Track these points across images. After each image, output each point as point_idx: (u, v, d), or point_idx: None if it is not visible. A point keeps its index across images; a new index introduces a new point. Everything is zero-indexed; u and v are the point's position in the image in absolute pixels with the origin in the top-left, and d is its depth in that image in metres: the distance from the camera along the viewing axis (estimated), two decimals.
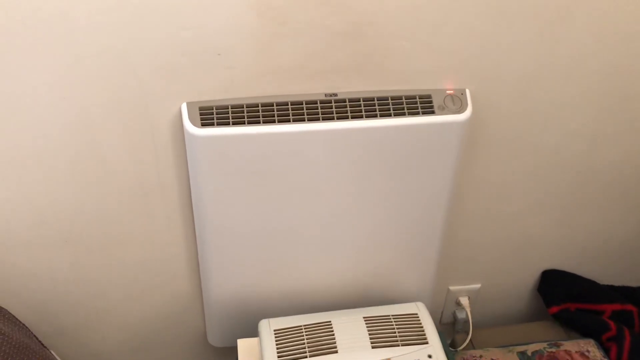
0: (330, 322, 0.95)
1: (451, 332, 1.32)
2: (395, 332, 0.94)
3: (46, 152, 0.91)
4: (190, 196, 1.00)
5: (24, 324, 1.03)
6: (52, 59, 0.82)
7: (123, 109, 0.89)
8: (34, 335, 1.04)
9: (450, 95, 0.96)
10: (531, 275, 1.29)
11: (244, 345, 1.05)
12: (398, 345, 0.93)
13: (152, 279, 1.11)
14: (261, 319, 1.04)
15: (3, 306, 1.02)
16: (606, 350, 1.17)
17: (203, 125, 0.89)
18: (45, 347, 1.05)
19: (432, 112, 0.94)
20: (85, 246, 1.04)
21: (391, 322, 0.96)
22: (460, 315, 1.29)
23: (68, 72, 0.84)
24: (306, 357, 0.90)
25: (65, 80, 0.85)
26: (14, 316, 1.02)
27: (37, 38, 0.80)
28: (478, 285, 1.28)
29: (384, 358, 0.91)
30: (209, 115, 0.89)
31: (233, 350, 1.25)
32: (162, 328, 1.19)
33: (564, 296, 1.26)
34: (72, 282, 1.08)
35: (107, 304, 1.12)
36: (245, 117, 0.90)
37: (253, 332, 1.11)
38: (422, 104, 0.94)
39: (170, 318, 1.18)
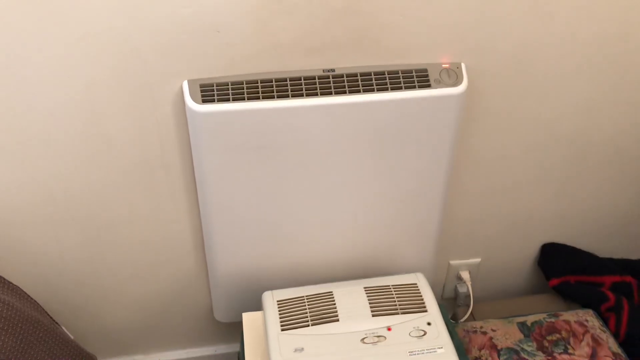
0: (331, 292, 0.98)
1: (453, 306, 1.35)
2: (394, 301, 0.97)
3: (53, 132, 0.94)
4: (194, 174, 1.03)
5: (35, 300, 1.06)
6: (56, 39, 0.85)
7: (126, 88, 0.92)
8: (45, 312, 1.08)
9: (445, 69, 0.98)
10: (531, 249, 1.31)
11: (248, 319, 1.08)
12: (397, 314, 0.95)
13: (158, 257, 1.14)
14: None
15: (16, 283, 1.06)
16: (605, 320, 1.19)
17: (204, 101, 0.91)
18: (56, 322, 1.08)
19: (429, 86, 0.96)
20: (93, 224, 1.07)
21: (391, 291, 0.98)
22: (462, 289, 1.31)
23: (72, 53, 0.87)
24: (308, 325, 0.93)
25: (70, 61, 0.87)
26: (25, 292, 1.05)
27: (41, 19, 0.83)
28: (478, 260, 1.30)
29: (383, 325, 0.93)
30: (210, 92, 0.92)
31: (238, 325, 1.28)
32: (169, 305, 1.22)
33: (563, 269, 1.28)
34: (81, 260, 1.11)
35: (115, 281, 1.15)
36: (245, 93, 0.92)
37: (257, 307, 1.13)
38: (418, 78, 0.96)
39: (176, 295, 1.21)
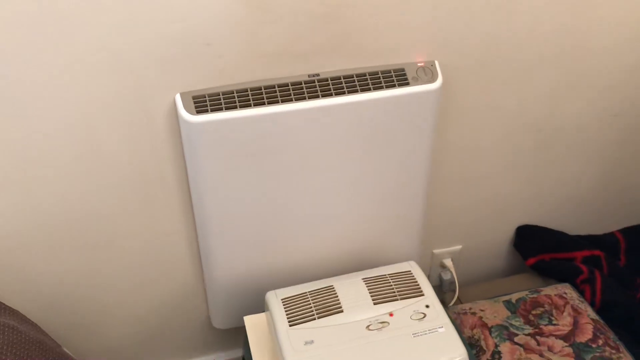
0: (332, 286, 1.02)
1: (439, 293, 1.41)
2: (393, 289, 1.02)
3: (48, 151, 0.95)
4: (188, 184, 1.06)
5: (35, 322, 1.06)
6: (51, 59, 0.87)
7: (120, 104, 0.94)
8: (46, 333, 1.08)
9: (421, 67, 1.04)
10: (507, 232, 1.39)
11: (250, 322, 1.11)
12: (397, 300, 1.00)
13: (155, 269, 1.15)
14: (262, 296, 1.10)
15: (13, 307, 1.06)
16: (581, 292, 1.28)
17: (198, 112, 0.94)
18: (58, 344, 1.08)
19: (407, 84, 1.03)
20: (89, 242, 1.08)
21: (388, 280, 1.04)
22: (446, 276, 1.38)
23: (66, 72, 0.89)
24: (314, 319, 0.97)
25: (64, 80, 0.89)
26: (25, 315, 1.05)
27: (35, 40, 0.85)
28: (459, 247, 1.37)
29: (385, 312, 0.98)
30: (203, 103, 0.95)
31: (238, 331, 1.31)
32: (167, 316, 1.24)
33: (538, 248, 1.37)
34: (77, 278, 1.11)
35: (113, 297, 1.16)
36: (237, 101, 0.96)
37: (256, 310, 1.17)
38: (397, 77, 1.03)
39: (173, 306, 1.22)
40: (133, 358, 1.27)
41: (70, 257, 1.08)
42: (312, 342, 0.94)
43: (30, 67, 0.87)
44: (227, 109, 0.96)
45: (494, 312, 1.20)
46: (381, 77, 1.02)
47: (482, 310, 1.21)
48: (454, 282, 1.36)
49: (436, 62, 1.05)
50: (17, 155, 0.94)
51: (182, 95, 0.96)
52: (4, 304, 1.01)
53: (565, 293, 1.24)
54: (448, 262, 1.37)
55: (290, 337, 0.95)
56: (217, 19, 0.90)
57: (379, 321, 0.97)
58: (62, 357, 1.04)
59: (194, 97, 0.96)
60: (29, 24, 0.83)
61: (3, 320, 0.97)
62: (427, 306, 1.00)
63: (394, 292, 1.01)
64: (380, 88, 1.01)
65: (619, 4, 1.09)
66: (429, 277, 1.40)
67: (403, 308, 0.99)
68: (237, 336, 1.33)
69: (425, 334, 0.96)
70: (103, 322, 1.19)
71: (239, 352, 1.35)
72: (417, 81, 1.03)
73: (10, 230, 1.01)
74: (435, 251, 1.36)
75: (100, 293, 1.15)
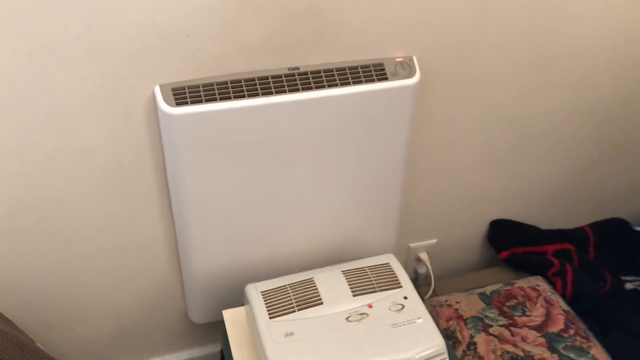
0: (312, 278, 1.03)
1: (415, 286, 1.43)
2: (372, 281, 1.03)
3: (24, 141, 0.94)
4: (166, 177, 1.05)
5: (9, 319, 1.04)
6: (29, 47, 0.85)
7: (99, 94, 0.93)
8: (21, 329, 1.06)
9: (399, 62, 1.05)
10: (481, 226, 1.41)
11: (229, 315, 1.11)
12: (376, 292, 1.01)
13: (132, 263, 1.14)
14: (241, 289, 1.10)
15: None
16: (552, 284, 1.31)
17: (177, 104, 0.94)
18: (32, 340, 1.07)
19: (386, 79, 1.04)
20: (63, 234, 1.06)
21: (367, 272, 1.05)
22: (421, 270, 1.40)
23: (43, 61, 0.87)
24: (294, 311, 0.98)
25: (42, 68, 0.88)
26: (0, 313, 1.03)
27: (12, 27, 0.83)
28: (434, 241, 1.39)
29: (364, 303, 0.99)
30: (182, 95, 0.95)
31: (215, 325, 1.31)
32: (143, 312, 1.23)
33: (511, 242, 1.40)
34: (52, 272, 1.10)
35: (89, 292, 1.15)
36: (217, 94, 0.96)
37: (233, 304, 1.17)
38: (376, 72, 1.04)
39: (151, 301, 1.22)
40: (109, 354, 1.26)
41: (45, 252, 1.06)
42: (292, 333, 0.94)
43: (8, 54, 0.85)
44: (207, 101, 0.95)
45: (469, 304, 1.22)
46: (360, 72, 1.03)
47: (457, 303, 1.23)
48: (430, 275, 1.38)
49: (414, 58, 1.06)
50: None
51: (162, 87, 0.95)
52: None
53: (538, 285, 1.27)
54: (424, 256, 1.39)
55: (271, 329, 0.95)
56: (198, 10, 0.90)
57: (358, 313, 0.98)
58: (36, 353, 1.02)
59: (173, 89, 0.95)
60: (6, 9, 0.81)
61: None
62: (406, 297, 1.01)
63: (373, 284, 1.03)
64: (360, 82, 1.02)
65: (591, 5, 1.13)
66: (405, 269, 1.42)
67: (382, 300, 1.00)
68: (214, 331, 1.32)
69: (404, 324, 0.97)
70: (79, 318, 1.17)
71: (216, 347, 1.35)
72: (396, 76, 1.04)
73: None
74: (411, 245, 1.38)
75: (76, 288, 1.13)
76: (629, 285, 1.47)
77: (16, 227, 1.02)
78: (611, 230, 1.51)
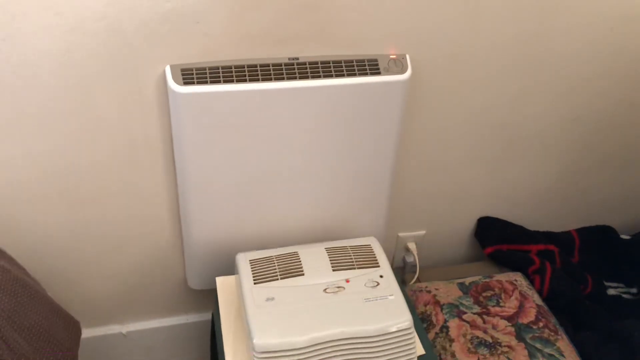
0: (297, 252, 1.12)
1: (402, 273, 1.51)
2: (352, 258, 1.11)
3: (46, 110, 1.05)
4: (172, 150, 1.15)
5: (22, 266, 1.15)
6: (53, 25, 0.96)
7: (115, 71, 1.04)
8: (32, 276, 1.17)
9: (393, 59, 1.14)
10: (469, 222, 1.48)
11: (221, 282, 1.21)
12: (354, 268, 1.10)
13: (137, 228, 1.25)
14: (234, 260, 1.19)
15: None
16: (531, 281, 1.38)
17: (185, 83, 1.04)
18: (43, 288, 1.17)
19: (379, 73, 1.12)
20: (77, 198, 1.17)
21: (348, 251, 1.13)
22: (409, 259, 1.48)
23: (67, 38, 0.98)
24: (277, 279, 1.07)
25: (64, 45, 0.99)
26: (13, 258, 1.14)
27: (39, 7, 0.94)
28: (423, 232, 1.47)
29: (342, 278, 1.08)
30: (190, 76, 1.05)
31: (210, 293, 1.40)
32: (146, 275, 1.33)
33: (496, 239, 1.47)
34: (65, 231, 1.21)
35: (96, 251, 1.25)
36: (221, 77, 1.06)
37: (228, 272, 1.26)
38: (369, 67, 1.12)
39: (153, 266, 1.32)
40: (112, 312, 1.37)
41: (58, 210, 1.17)
42: (273, 298, 1.03)
43: (38, 28, 0.96)
44: (212, 82, 1.05)
45: (447, 292, 1.30)
46: (355, 66, 1.11)
47: (436, 290, 1.31)
48: (416, 264, 1.46)
49: (407, 56, 1.14)
50: (17, 109, 1.03)
51: (172, 67, 1.05)
52: None
53: (516, 280, 1.34)
54: (412, 246, 1.47)
55: (254, 293, 1.04)
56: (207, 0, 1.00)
57: (335, 285, 1.07)
58: (45, 299, 1.13)
59: (182, 70, 1.05)
60: None
61: None
62: (381, 276, 1.09)
63: (352, 262, 1.11)
64: (354, 75, 1.11)
65: (580, 14, 1.19)
66: (393, 258, 1.50)
67: (359, 276, 1.09)
68: (209, 299, 1.42)
69: (376, 300, 1.05)
70: (84, 274, 1.28)
71: (210, 315, 1.45)
72: (388, 71, 1.13)
73: (2, 178, 1.10)
74: (400, 234, 1.46)
75: (84, 246, 1.24)
76: (611, 292, 1.52)
77: (35, 187, 1.13)
78: (598, 237, 1.56)
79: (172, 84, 1.04)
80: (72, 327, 1.17)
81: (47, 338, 1.08)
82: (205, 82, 1.05)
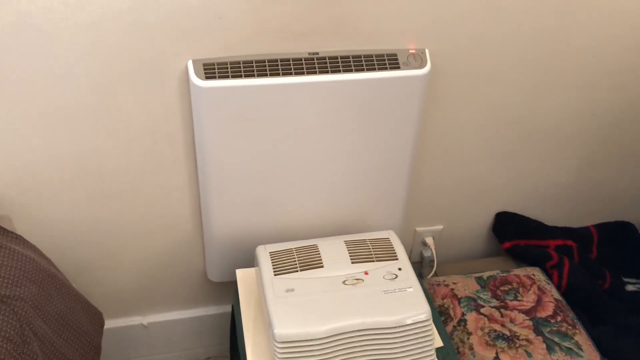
0: (316, 244, 1.13)
1: (419, 268, 1.52)
2: (370, 251, 1.13)
3: (71, 104, 1.07)
4: (194, 144, 1.17)
5: (49, 258, 1.18)
6: (78, 20, 0.98)
7: (139, 65, 1.06)
8: (59, 269, 1.20)
9: (412, 54, 1.15)
10: (486, 217, 1.49)
11: (241, 274, 1.22)
12: (373, 261, 1.11)
13: (159, 221, 1.27)
14: (254, 253, 1.21)
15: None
16: (549, 276, 1.38)
17: (207, 78, 1.06)
18: (68, 280, 1.20)
19: (398, 68, 1.13)
20: (100, 190, 1.19)
21: (367, 244, 1.14)
22: (426, 253, 1.48)
23: (91, 33, 1.00)
24: (297, 270, 1.08)
25: (89, 40, 1.01)
26: (41, 251, 1.17)
27: (65, 2, 0.96)
28: (441, 227, 1.47)
29: (361, 270, 1.09)
30: (212, 70, 1.06)
31: (228, 287, 1.42)
32: (167, 268, 1.35)
33: (514, 234, 1.47)
34: (88, 224, 1.23)
35: (118, 244, 1.28)
36: (242, 71, 1.07)
37: (247, 265, 1.28)
38: (389, 61, 1.13)
39: (174, 258, 1.34)
40: (131, 303, 1.39)
41: (82, 203, 1.20)
42: (292, 290, 1.05)
43: (65, 23, 0.98)
44: (233, 77, 1.07)
45: (465, 286, 1.31)
46: (375, 60, 1.12)
47: (454, 283, 1.32)
48: (433, 259, 1.46)
49: (427, 51, 1.15)
50: (44, 104, 1.06)
51: (194, 62, 1.07)
52: (23, 238, 1.13)
53: (534, 275, 1.34)
54: (429, 240, 1.47)
55: (274, 284, 1.06)
56: None
57: (354, 278, 1.08)
58: (70, 290, 1.15)
59: (204, 64, 1.07)
60: None
61: (22, 250, 1.08)
62: (400, 269, 1.10)
63: (371, 254, 1.12)
64: (373, 70, 1.12)
65: (599, 9, 1.19)
66: (410, 252, 1.51)
67: (377, 269, 1.10)
68: (229, 292, 1.44)
69: (395, 292, 1.06)
70: (106, 267, 1.31)
71: (229, 307, 1.47)
72: (408, 66, 1.14)
73: (31, 172, 1.13)
74: (418, 229, 1.47)
75: (107, 239, 1.26)
76: (630, 287, 1.52)
77: (60, 180, 1.16)
78: (616, 233, 1.56)
79: (194, 78, 1.06)
80: (96, 318, 1.20)
81: (72, 327, 1.11)
82: (227, 77, 1.07)
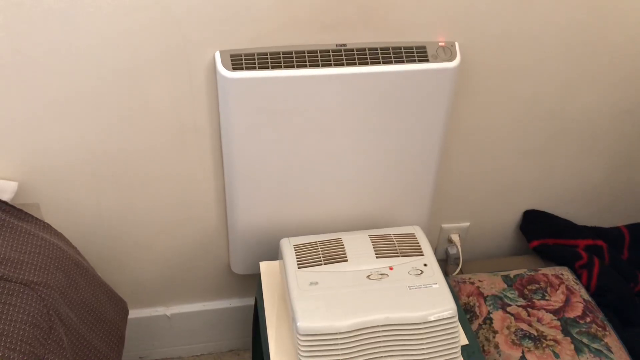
0: (340, 238, 1.12)
1: (444, 265, 1.50)
2: (395, 246, 1.11)
3: (99, 94, 1.08)
4: (220, 136, 1.17)
5: (76, 247, 1.19)
6: (107, 11, 0.99)
7: (166, 56, 1.06)
8: (85, 257, 1.21)
9: (442, 46, 1.13)
10: (514, 215, 1.46)
11: (265, 267, 1.22)
12: (398, 256, 1.09)
13: (184, 212, 1.27)
14: (278, 246, 1.20)
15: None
16: (578, 276, 1.35)
17: (234, 69, 1.05)
18: (93, 268, 1.21)
19: (427, 60, 1.11)
20: (128, 181, 1.20)
21: (392, 239, 1.13)
22: (452, 250, 1.46)
23: (121, 24, 1.01)
24: (321, 264, 1.07)
25: (118, 30, 1.01)
26: (68, 239, 1.18)
27: None
28: (467, 224, 1.45)
29: (386, 265, 1.08)
30: (239, 61, 1.06)
31: (251, 279, 1.42)
32: (191, 259, 1.36)
33: (543, 232, 1.44)
34: (115, 214, 1.24)
35: (144, 234, 1.29)
36: (269, 62, 1.07)
37: (271, 258, 1.28)
38: (418, 54, 1.11)
39: (198, 250, 1.34)
40: (155, 294, 1.40)
41: (110, 193, 1.21)
42: (316, 283, 1.04)
43: (95, 10, 0.99)
44: (260, 68, 1.06)
45: (491, 284, 1.28)
46: (403, 52, 1.11)
47: (480, 281, 1.29)
48: (459, 257, 1.44)
49: (456, 44, 1.13)
50: (72, 93, 1.07)
51: (222, 52, 1.06)
52: (51, 226, 1.14)
53: (562, 274, 1.31)
54: (455, 237, 1.45)
55: (298, 277, 1.05)
56: None
57: (379, 272, 1.06)
58: (95, 278, 1.17)
59: (231, 55, 1.06)
60: None
61: (50, 238, 1.10)
62: (425, 265, 1.09)
63: (396, 250, 1.11)
64: (401, 62, 1.10)
65: (633, 3, 1.16)
66: (436, 249, 1.49)
67: (402, 264, 1.08)
68: (252, 285, 1.44)
69: (420, 288, 1.05)
70: (131, 257, 1.32)
71: (252, 300, 1.47)
72: (437, 59, 1.12)
73: (59, 162, 1.14)
74: (444, 226, 1.44)
75: (133, 230, 1.27)
76: None
77: (90, 172, 1.16)
78: None
79: (221, 69, 1.05)
80: (120, 307, 1.21)
81: (97, 315, 1.12)
82: (254, 68, 1.06)
